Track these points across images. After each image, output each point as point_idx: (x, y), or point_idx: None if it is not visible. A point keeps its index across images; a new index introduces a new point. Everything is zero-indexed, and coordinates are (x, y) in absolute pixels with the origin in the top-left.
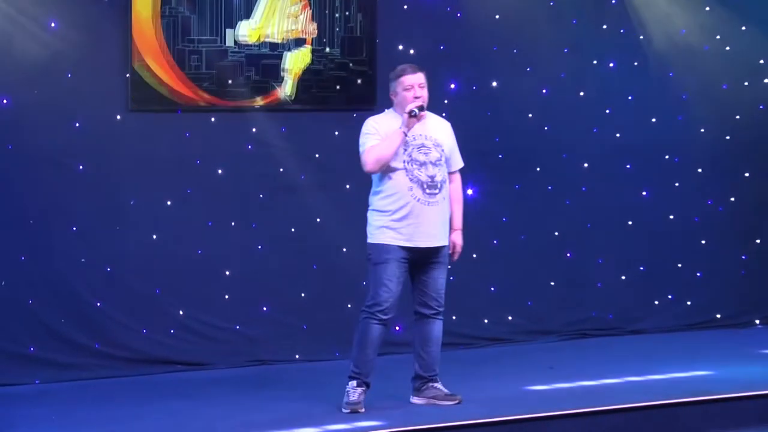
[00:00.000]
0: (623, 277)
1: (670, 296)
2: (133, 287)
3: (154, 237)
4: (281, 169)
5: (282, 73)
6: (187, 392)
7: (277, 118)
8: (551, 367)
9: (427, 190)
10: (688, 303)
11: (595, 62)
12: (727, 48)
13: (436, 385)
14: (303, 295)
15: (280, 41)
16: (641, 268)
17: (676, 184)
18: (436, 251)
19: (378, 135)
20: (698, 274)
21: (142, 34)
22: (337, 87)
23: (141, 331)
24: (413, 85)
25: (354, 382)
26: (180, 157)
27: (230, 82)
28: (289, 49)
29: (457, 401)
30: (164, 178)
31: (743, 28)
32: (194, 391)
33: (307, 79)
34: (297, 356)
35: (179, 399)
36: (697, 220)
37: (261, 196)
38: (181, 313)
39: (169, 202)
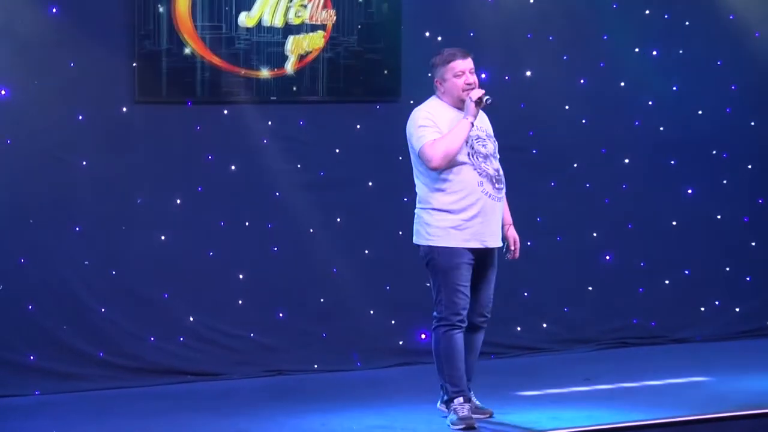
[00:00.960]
0: (667, 282)
1: (717, 302)
2: (139, 292)
3: (163, 238)
4: (299, 165)
5: (286, 53)
6: (197, 404)
7: (295, 110)
8: (587, 378)
9: (496, 185)
10: (737, 310)
11: (636, 50)
12: None
13: None
14: (322, 300)
15: (281, 26)
16: (686, 272)
17: (724, 182)
18: (492, 252)
19: (435, 127)
20: (748, 279)
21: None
22: (360, 77)
23: (148, 339)
24: (464, 70)
25: (460, 399)
26: (190, 152)
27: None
28: (294, 33)
29: (488, 415)
30: (173, 174)
31: None
32: (205, 403)
33: (318, 68)
34: (315, 366)
35: (189, 412)
36: (746, 221)
37: (277, 194)
38: (191, 319)
39: (178, 201)
